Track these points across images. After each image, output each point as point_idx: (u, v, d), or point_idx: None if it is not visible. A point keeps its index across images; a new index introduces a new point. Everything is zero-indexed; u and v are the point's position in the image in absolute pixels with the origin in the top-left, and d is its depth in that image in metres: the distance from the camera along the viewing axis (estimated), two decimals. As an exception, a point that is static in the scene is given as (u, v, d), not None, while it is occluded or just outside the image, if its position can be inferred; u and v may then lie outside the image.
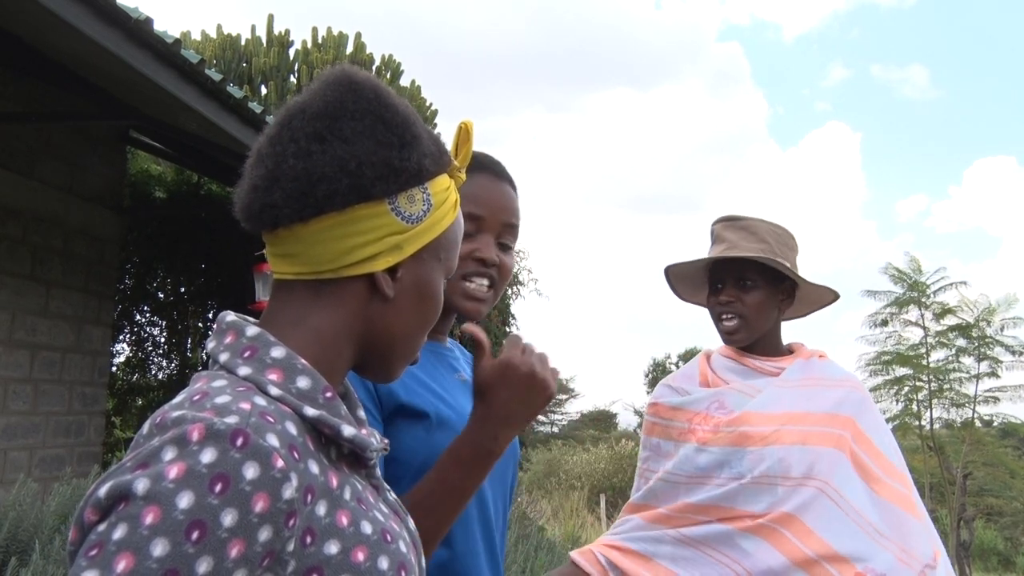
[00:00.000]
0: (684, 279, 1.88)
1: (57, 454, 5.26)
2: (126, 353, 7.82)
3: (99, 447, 5.76)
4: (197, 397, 0.68)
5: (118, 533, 0.58)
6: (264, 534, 0.61)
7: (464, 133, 0.88)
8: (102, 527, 0.60)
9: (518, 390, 0.98)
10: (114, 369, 7.23)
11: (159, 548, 0.58)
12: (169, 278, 7.68)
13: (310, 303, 0.77)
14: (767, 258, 1.71)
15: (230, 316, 0.78)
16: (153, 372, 7.88)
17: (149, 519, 0.58)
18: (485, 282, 1.18)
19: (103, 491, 0.61)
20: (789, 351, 1.81)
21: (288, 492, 0.63)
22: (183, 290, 7.67)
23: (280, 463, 0.63)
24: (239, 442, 0.62)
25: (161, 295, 7.80)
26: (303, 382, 0.73)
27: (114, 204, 5.82)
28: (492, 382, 0.99)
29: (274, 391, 0.71)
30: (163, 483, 0.60)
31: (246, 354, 0.74)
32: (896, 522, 1.59)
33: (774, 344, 1.80)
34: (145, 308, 7.78)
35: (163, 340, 7.88)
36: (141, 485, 0.60)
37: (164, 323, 7.83)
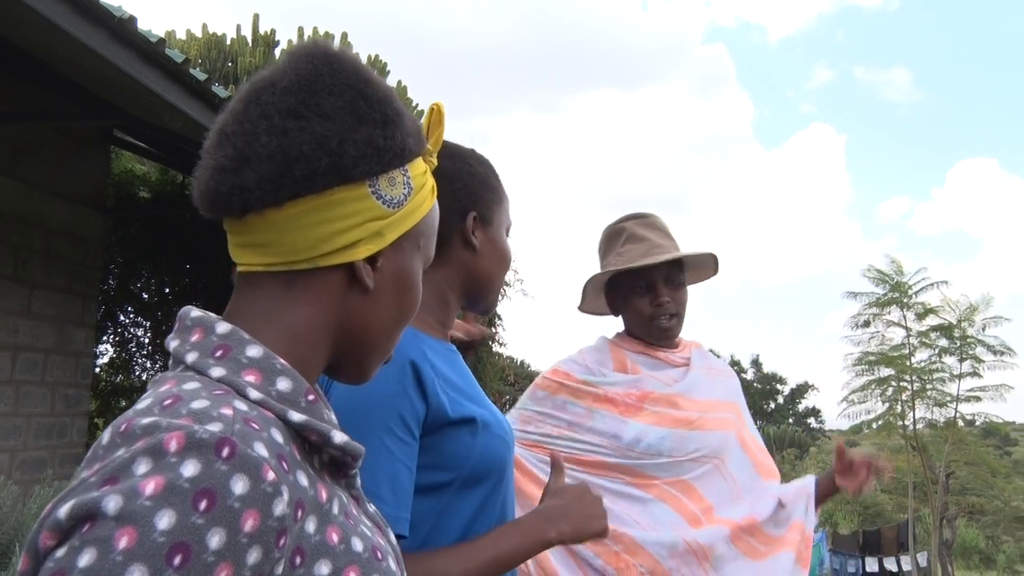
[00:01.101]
0: (593, 283, 1.89)
1: (39, 456, 5.21)
2: (110, 354, 7.76)
3: (82, 449, 5.71)
4: (168, 401, 0.61)
5: (85, 559, 0.50)
6: (253, 556, 0.55)
7: (436, 115, 0.83)
8: (61, 552, 0.52)
9: (584, 504, 1.15)
10: (97, 370, 7.18)
11: (136, 574, 0.50)
12: (153, 279, 7.63)
13: (282, 297, 0.70)
14: (716, 257, 1.84)
15: (195, 311, 0.70)
16: (137, 373, 7.83)
17: (123, 542, 0.51)
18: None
19: (64, 511, 0.53)
20: (676, 343, 1.91)
21: (279, 508, 0.57)
22: (167, 291, 7.62)
23: (271, 475, 0.57)
24: (225, 452, 0.55)
25: (145, 296, 7.74)
26: (283, 384, 0.66)
27: (98, 204, 5.78)
28: (563, 489, 1.17)
29: (254, 394, 0.64)
30: (138, 500, 0.52)
31: (218, 353, 0.66)
32: (761, 489, 1.84)
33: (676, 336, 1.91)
34: (129, 309, 7.72)
35: (147, 341, 7.82)
36: (112, 503, 0.52)
37: (148, 324, 7.77)
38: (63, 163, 5.39)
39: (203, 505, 0.53)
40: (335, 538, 0.64)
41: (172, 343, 0.69)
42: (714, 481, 1.75)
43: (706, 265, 1.91)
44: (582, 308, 1.95)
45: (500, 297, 1.42)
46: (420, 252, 0.79)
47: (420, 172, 0.76)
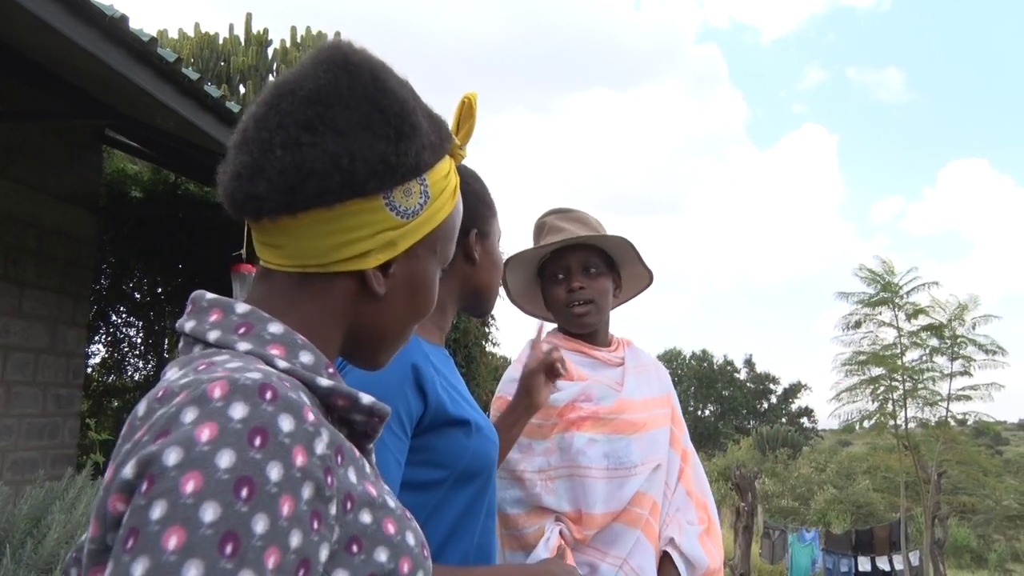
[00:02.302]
0: (517, 272, 1.90)
1: (30, 456, 5.19)
2: (102, 354, 7.73)
3: (74, 449, 5.69)
4: (201, 367, 0.63)
5: (157, 511, 0.52)
6: (307, 491, 0.57)
7: (467, 108, 0.84)
8: (129, 512, 0.54)
9: (568, 571, 1.32)
10: (89, 370, 7.15)
11: (210, 512, 0.52)
12: (146, 278, 7.60)
13: (296, 294, 0.72)
14: (625, 239, 1.83)
15: (209, 294, 0.73)
16: (129, 373, 7.80)
17: (190, 486, 0.53)
18: None
19: (129, 469, 0.55)
20: (609, 341, 1.93)
21: (320, 447, 0.59)
22: (160, 290, 7.59)
23: (311, 416, 0.60)
24: (268, 395, 0.58)
25: (138, 295, 7.72)
26: (306, 357, 0.68)
27: (90, 204, 5.76)
28: (555, 560, 1.37)
29: (281, 364, 0.66)
30: (197, 447, 0.54)
31: (241, 330, 0.68)
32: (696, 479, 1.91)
33: (607, 333, 1.92)
34: (121, 309, 7.69)
35: (139, 341, 7.80)
36: (172, 455, 0.54)
37: (141, 324, 7.74)
38: (55, 163, 5.37)
39: (258, 441, 0.55)
40: (373, 491, 0.67)
41: (188, 324, 0.71)
42: (659, 480, 1.81)
43: (640, 275, 1.94)
44: (520, 305, 1.97)
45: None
46: (436, 256, 0.79)
47: (441, 176, 0.76)
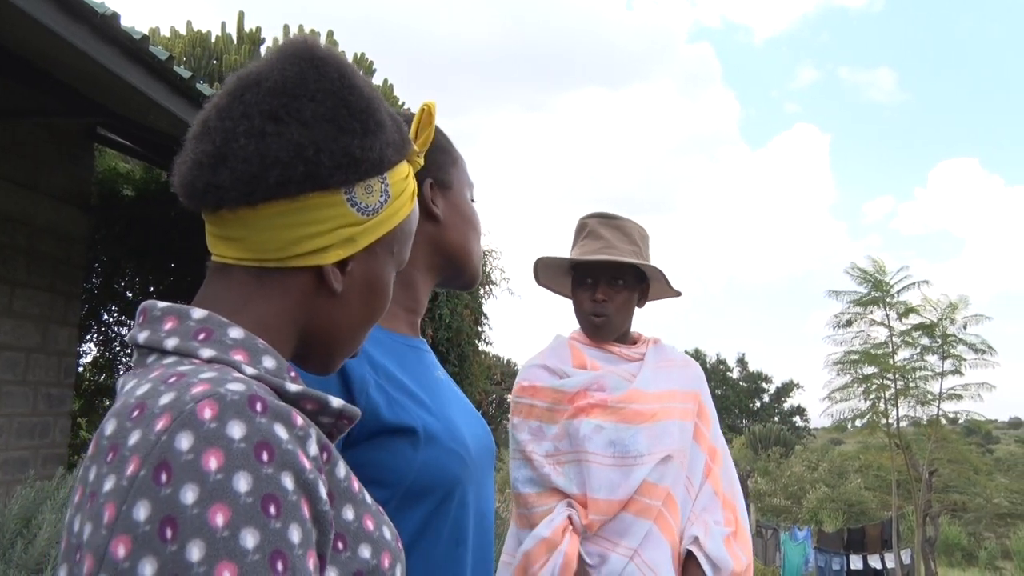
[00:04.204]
0: (550, 265, 1.98)
1: (21, 456, 5.17)
2: (93, 353, 7.71)
3: (65, 449, 5.66)
4: (172, 380, 0.60)
5: (196, 553, 0.52)
6: (321, 489, 0.59)
7: (426, 116, 0.84)
8: (150, 560, 0.52)
9: None
10: (81, 370, 7.12)
11: (250, 538, 0.53)
12: (138, 277, 7.58)
13: (251, 290, 0.71)
14: (656, 269, 1.88)
15: (161, 303, 0.70)
16: (121, 372, 7.77)
17: (220, 519, 0.52)
18: None
19: (142, 514, 0.53)
20: (634, 340, 1.99)
21: (312, 449, 0.61)
22: (152, 289, 7.57)
23: (300, 420, 0.60)
24: (259, 407, 0.58)
25: (129, 294, 7.69)
26: (269, 362, 0.67)
27: (81, 202, 5.73)
28: None
29: (249, 371, 0.65)
30: (211, 478, 0.53)
31: (201, 336, 0.66)
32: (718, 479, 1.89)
33: (627, 334, 1.97)
34: (113, 308, 7.66)
35: (131, 340, 7.77)
36: (188, 493, 0.53)
37: (132, 323, 7.71)
38: (47, 161, 5.35)
39: (265, 456, 0.56)
40: (356, 486, 0.68)
41: (141, 335, 0.68)
42: (678, 475, 1.81)
43: (667, 292, 1.98)
44: (541, 283, 2.03)
45: (482, 268, 1.32)
46: (393, 257, 0.79)
47: (401, 177, 0.77)
